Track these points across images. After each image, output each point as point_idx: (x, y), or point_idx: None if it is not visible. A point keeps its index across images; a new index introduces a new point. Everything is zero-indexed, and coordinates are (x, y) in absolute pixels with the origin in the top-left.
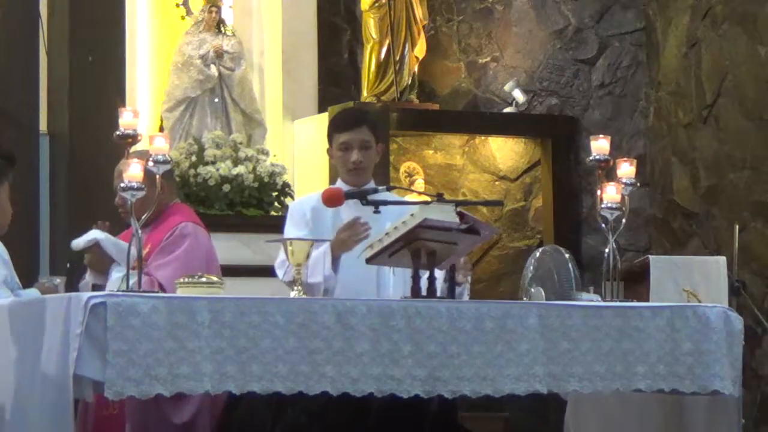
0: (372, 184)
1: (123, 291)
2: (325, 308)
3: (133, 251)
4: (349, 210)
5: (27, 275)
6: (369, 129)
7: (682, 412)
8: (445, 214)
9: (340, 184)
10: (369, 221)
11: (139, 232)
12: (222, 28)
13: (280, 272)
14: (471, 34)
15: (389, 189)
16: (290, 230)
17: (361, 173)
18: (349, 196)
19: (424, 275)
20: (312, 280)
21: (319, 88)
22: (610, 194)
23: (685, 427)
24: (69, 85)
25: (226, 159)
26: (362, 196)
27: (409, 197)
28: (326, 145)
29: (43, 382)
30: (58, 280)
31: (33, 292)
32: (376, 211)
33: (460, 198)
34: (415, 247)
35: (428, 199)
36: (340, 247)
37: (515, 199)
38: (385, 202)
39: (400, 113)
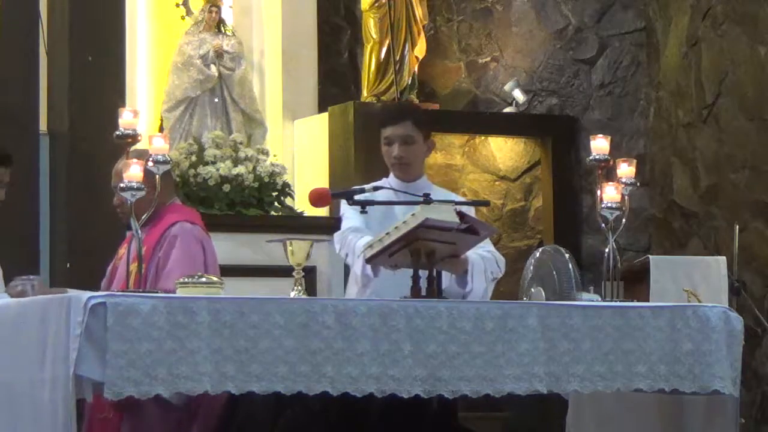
0: (424, 179)
1: (122, 291)
2: (325, 308)
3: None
4: (402, 206)
5: (27, 275)
6: (413, 123)
7: (681, 412)
8: (445, 214)
9: (391, 178)
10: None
11: (139, 232)
12: (222, 28)
13: (337, 245)
14: (471, 34)
15: (376, 189)
16: (348, 212)
17: (405, 168)
18: (335, 195)
19: (424, 275)
20: (355, 269)
21: (319, 88)
22: (610, 194)
23: (684, 427)
24: (69, 85)
25: (226, 159)
26: (349, 197)
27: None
28: (326, 145)
29: (48, 382)
30: (36, 282)
31: (2, 296)
32: (363, 212)
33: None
34: (415, 247)
35: (415, 199)
36: None
37: (515, 199)
38: (372, 203)
39: None
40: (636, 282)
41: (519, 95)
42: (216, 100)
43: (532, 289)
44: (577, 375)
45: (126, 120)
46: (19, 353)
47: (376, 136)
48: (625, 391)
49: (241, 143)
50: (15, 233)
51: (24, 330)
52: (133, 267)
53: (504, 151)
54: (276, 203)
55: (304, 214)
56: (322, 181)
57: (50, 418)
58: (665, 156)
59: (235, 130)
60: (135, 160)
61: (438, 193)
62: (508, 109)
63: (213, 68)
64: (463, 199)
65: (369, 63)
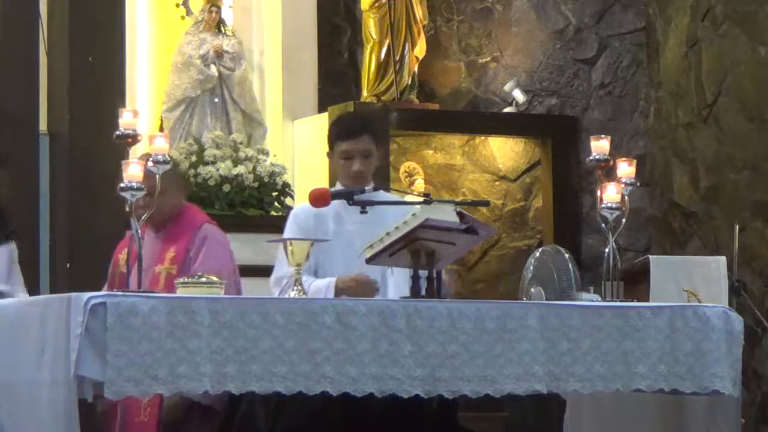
0: (372, 185)
1: (123, 291)
2: (325, 308)
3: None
4: (350, 217)
5: (27, 275)
6: (370, 137)
7: (680, 412)
8: (445, 214)
9: (339, 187)
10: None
11: (139, 232)
12: (222, 28)
13: (275, 290)
14: (471, 34)
15: (376, 189)
16: (287, 234)
17: (362, 181)
18: (335, 196)
19: (424, 275)
20: None
21: (319, 88)
22: (610, 194)
23: (683, 427)
24: (69, 85)
25: (226, 159)
26: (349, 196)
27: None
28: (326, 145)
29: (48, 382)
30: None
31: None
32: (363, 212)
33: (460, 198)
34: (414, 248)
35: (415, 198)
36: (345, 291)
37: (515, 199)
38: (372, 203)
39: (400, 113)
40: (636, 282)
41: (519, 95)
42: (216, 100)
43: (532, 289)
44: (577, 375)
45: (126, 120)
46: (19, 353)
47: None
48: (624, 391)
49: (241, 143)
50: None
51: (23, 330)
52: (162, 269)
53: (504, 151)
54: (276, 203)
55: None
56: (322, 181)
57: (50, 418)
58: (665, 156)
59: (235, 130)
60: (135, 160)
61: (382, 196)
62: (508, 109)
63: (213, 68)
64: (461, 200)
65: (369, 63)
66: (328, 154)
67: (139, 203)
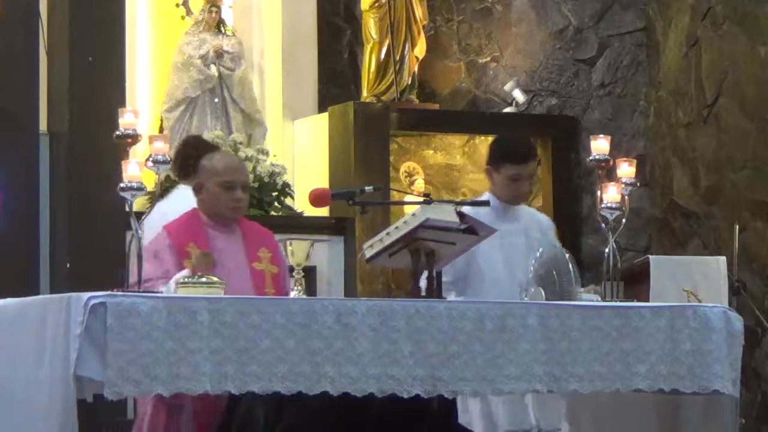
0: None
1: (123, 291)
2: (325, 308)
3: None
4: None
5: (27, 275)
6: (534, 161)
7: (677, 411)
8: (446, 214)
9: (494, 199)
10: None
11: (139, 232)
12: (222, 28)
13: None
14: (471, 34)
15: (376, 189)
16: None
17: (522, 200)
18: (336, 196)
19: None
20: None
21: (319, 88)
22: (610, 194)
23: (680, 426)
24: (69, 85)
25: None
26: (349, 197)
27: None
28: (326, 145)
29: (47, 382)
30: None
31: None
32: (363, 212)
33: (460, 198)
34: (414, 247)
35: (416, 198)
36: None
37: None
38: (372, 203)
39: (400, 113)
40: (636, 282)
41: (519, 95)
42: (216, 100)
43: (532, 289)
44: (577, 375)
45: (126, 120)
46: (17, 353)
47: (376, 136)
48: (624, 391)
49: (241, 143)
50: (15, 234)
51: (23, 329)
52: (262, 266)
53: None
54: (276, 203)
55: (304, 214)
56: (322, 181)
57: (47, 418)
58: (665, 156)
59: (235, 130)
60: (134, 160)
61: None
62: (508, 109)
63: (213, 68)
64: (462, 201)
65: (369, 63)
66: (488, 169)
67: (240, 195)
